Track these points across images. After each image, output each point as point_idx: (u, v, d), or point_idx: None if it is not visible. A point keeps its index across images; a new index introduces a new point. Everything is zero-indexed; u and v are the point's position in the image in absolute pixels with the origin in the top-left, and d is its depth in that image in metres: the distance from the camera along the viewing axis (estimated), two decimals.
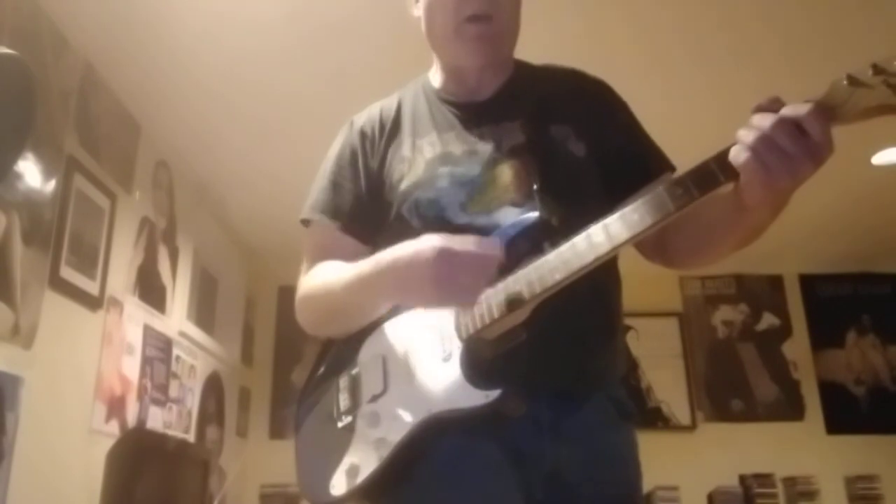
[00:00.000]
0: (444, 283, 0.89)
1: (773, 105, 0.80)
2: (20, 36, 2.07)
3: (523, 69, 1.22)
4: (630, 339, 4.43)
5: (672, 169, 1.14)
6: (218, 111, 2.84)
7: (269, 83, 2.68)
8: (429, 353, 0.98)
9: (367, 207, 1.15)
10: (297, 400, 1.16)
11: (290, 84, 2.67)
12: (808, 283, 4.71)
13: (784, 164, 0.77)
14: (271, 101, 2.77)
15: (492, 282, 0.92)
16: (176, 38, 2.42)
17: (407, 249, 0.94)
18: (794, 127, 0.77)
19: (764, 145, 0.77)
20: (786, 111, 0.78)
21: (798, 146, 0.77)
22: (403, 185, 1.11)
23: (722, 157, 0.82)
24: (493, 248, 0.91)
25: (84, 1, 2.21)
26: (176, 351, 3.16)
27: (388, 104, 1.23)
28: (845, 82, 0.76)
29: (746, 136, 0.79)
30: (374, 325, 1.07)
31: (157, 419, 2.93)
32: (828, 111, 0.77)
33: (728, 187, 0.83)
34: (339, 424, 1.04)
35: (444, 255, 0.90)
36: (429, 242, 0.92)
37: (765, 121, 0.78)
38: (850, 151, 3.16)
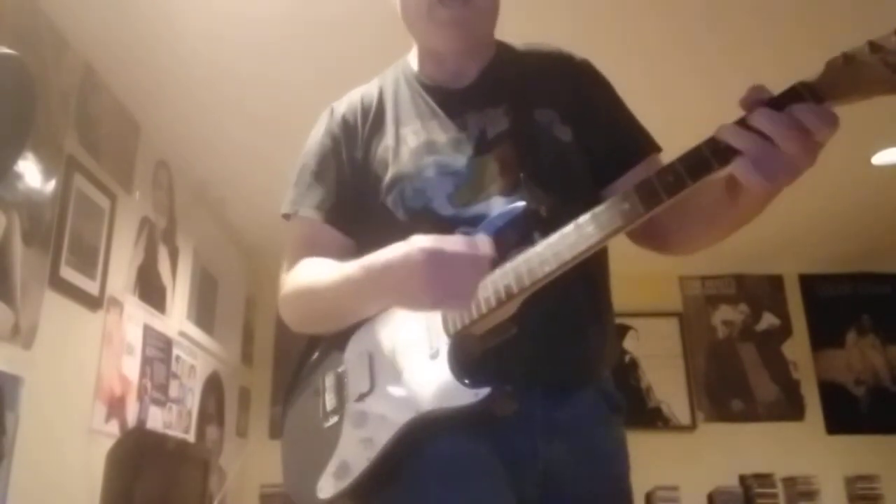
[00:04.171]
0: (436, 285, 0.86)
1: (758, 95, 0.77)
2: (20, 36, 2.06)
3: (505, 51, 1.19)
4: (630, 339, 4.44)
5: (658, 150, 1.12)
6: (218, 111, 2.84)
7: (270, 83, 2.68)
8: (416, 350, 0.96)
9: (349, 198, 1.12)
10: (282, 399, 1.13)
11: (290, 84, 2.67)
12: (808, 283, 4.71)
13: (783, 164, 0.75)
14: (271, 101, 2.77)
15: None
16: (176, 38, 2.42)
17: (397, 252, 0.90)
18: (805, 134, 0.74)
19: (762, 149, 0.75)
20: (800, 117, 0.74)
21: (798, 145, 0.74)
22: (388, 176, 1.07)
23: (714, 143, 0.79)
24: (483, 246, 0.89)
25: (84, 1, 2.21)
26: (176, 351, 3.16)
27: (368, 91, 1.19)
28: (842, 61, 0.74)
29: (741, 139, 0.76)
30: (361, 322, 1.04)
31: (157, 419, 2.93)
32: (827, 103, 0.74)
33: (720, 173, 0.80)
34: (326, 425, 1.01)
35: (435, 256, 0.86)
36: (418, 244, 0.88)
37: (763, 122, 0.75)
38: (850, 151, 3.16)
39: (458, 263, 0.86)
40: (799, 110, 0.74)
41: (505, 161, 1.05)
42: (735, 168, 0.77)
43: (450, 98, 1.13)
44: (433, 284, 0.86)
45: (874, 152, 3.30)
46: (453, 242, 0.88)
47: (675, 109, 2.73)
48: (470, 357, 0.92)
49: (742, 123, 0.77)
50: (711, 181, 0.81)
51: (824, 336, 4.61)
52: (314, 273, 1.06)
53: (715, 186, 0.84)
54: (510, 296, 0.89)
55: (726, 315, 4.69)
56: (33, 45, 2.13)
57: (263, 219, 3.70)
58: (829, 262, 4.57)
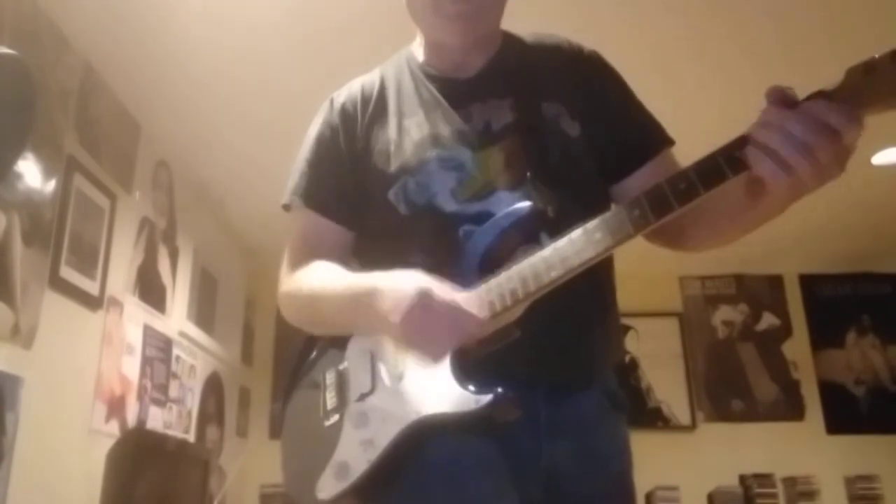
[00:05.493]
0: (413, 329, 0.86)
1: (785, 95, 0.75)
2: (20, 36, 2.06)
3: (512, 42, 1.17)
4: (630, 339, 4.44)
5: (671, 143, 1.10)
6: (218, 111, 2.84)
7: (269, 83, 2.68)
8: None
9: (349, 191, 1.09)
10: (282, 396, 1.12)
11: (290, 84, 2.66)
12: (808, 283, 4.71)
13: (817, 172, 0.73)
14: (271, 100, 2.77)
15: (466, 343, 0.88)
16: (176, 39, 2.42)
17: (390, 281, 0.90)
18: (836, 137, 0.71)
19: (796, 151, 0.72)
20: (829, 120, 0.71)
21: (833, 156, 0.72)
22: (390, 169, 1.05)
23: (729, 151, 0.78)
24: (477, 314, 0.87)
25: (84, 1, 2.21)
26: (176, 351, 3.16)
27: (369, 80, 1.17)
28: (862, 70, 0.72)
29: (770, 138, 0.73)
30: None
31: (157, 419, 2.93)
32: (848, 101, 0.72)
33: (733, 181, 0.79)
34: (326, 423, 1.00)
35: (422, 300, 0.86)
36: (413, 281, 0.88)
37: (806, 133, 0.72)
38: None
39: (442, 317, 0.86)
40: (831, 114, 0.72)
41: (510, 155, 1.02)
42: (762, 170, 0.75)
43: (454, 89, 1.10)
44: (409, 326, 0.86)
45: (874, 152, 3.29)
46: (450, 294, 0.87)
47: (686, 107, 2.72)
48: (473, 360, 0.91)
49: (770, 124, 0.75)
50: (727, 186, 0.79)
51: (824, 336, 4.61)
52: (316, 281, 1.05)
53: (734, 187, 0.82)
54: (515, 301, 0.88)
55: (726, 315, 4.69)
56: (33, 45, 2.13)
57: (263, 219, 3.70)
58: (829, 262, 4.57)
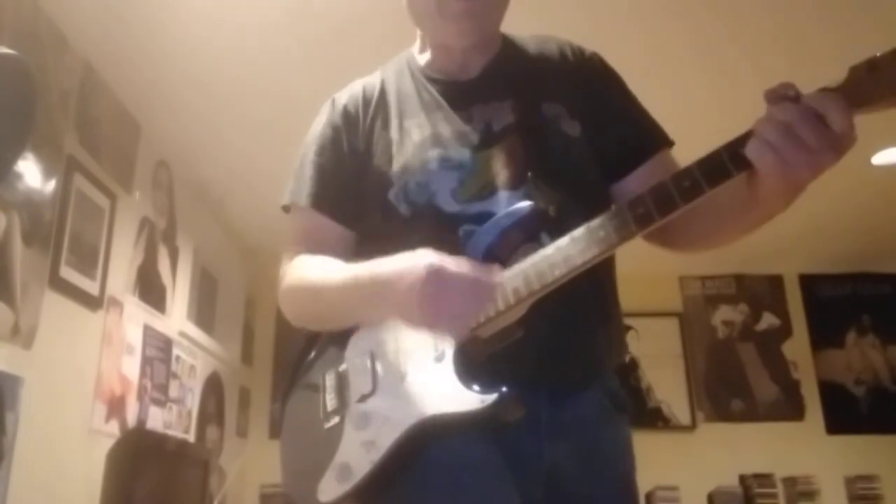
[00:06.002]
0: (431, 305, 0.84)
1: (786, 91, 0.76)
2: (20, 36, 2.06)
3: (512, 44, 1.17)
4: (630, 339, 4.44)
5: (670, 144, 1.10)
6: (218, 111, 2.84)
7: (270, 83, 2.68)
8: (420, 352, 0.94)
9: (350, 191, 1.09)
10: (281, 397, 1.11)
11: (290, 84, 2.66)
12: (808, 283, 4.71)
13: (805, 157, 0.74)
14: (271, 101, 2.77)
15: (485, 311, 0.87)
16: (176, 39, 2.42)
17: (403, 263, 0.89)
18: (817, 119, 0.72)
19: (786, 140, 0.73)
20: (809, 102, 0.73)
21: (822, 139, 0.73)
22: (391, 170, 1.05)
23: (733, 148, 0.78)
24: (491, 276, 0.86)
25: (84, 1, 2.21)
26: (176, 351, 3.16)
27: (370, 82, 1.17)
28: (866, 68, 0.72)
29: (767, 130, 0.75)
30: None
31: (157, 419, 2.93)
32: (852, 99, 0.72)
33: (738, 179, 0.79)
34: (327, 425, 0.99)
35: (435, 275, 0.85)
36: (422, 259, 0.87)
37: (786, 114, 0.74)
38: (850, 151, 3.14)
39: (459, 286, 0.85)
40: (809, 97, 0.74)
41: (511, 155, 1.02)
42: (749, 151, 0.75)
43: (455, 90, 1.11)
44: (428, 303, 0.85)
45: (874, 152, 3.29)
46: (460, 264, 0.86)
47: (689, 110, 2.72)
48: (475, 360, 0.91)
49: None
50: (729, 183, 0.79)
51: (824, 336, 4.62)
52: (319, 272, 1.05)
53: (732, 189, 0.82)
54: (519, 299, 0.88)
55: (726, 315, 4.69)
56: (33, 45, 2.13)
57: (263, 219, 3.70)
58: (829, 262, 4.57)
